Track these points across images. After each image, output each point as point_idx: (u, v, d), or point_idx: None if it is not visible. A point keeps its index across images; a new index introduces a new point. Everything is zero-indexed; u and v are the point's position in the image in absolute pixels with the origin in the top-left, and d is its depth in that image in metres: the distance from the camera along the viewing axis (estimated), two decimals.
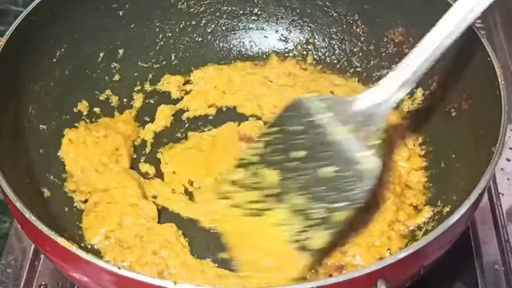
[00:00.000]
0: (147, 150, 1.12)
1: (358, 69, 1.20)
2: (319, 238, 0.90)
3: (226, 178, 1.00)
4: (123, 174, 1.05)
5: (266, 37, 1.27)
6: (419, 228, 0.99)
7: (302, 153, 0.93)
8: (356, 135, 0.91)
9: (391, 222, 0.98)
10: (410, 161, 1.07)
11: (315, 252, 0.91)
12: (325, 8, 1.22)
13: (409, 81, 0.92)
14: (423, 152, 1.08)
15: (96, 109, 1.15)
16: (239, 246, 0.95)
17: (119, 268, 0.75)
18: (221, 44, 1.26)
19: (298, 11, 1.25)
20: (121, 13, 1.18)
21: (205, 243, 0.99)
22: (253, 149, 0.98)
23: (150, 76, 1.21)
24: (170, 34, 1.24)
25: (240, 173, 0.98)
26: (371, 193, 0.90)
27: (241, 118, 1.16)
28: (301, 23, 1.25)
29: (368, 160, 0.89)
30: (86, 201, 1.03)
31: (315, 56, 1.24)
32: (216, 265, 0.96)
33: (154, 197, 1.04)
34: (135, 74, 1.21)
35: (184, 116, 1.18)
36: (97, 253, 0.95)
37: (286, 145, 0.94)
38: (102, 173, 1.04)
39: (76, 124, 1.11)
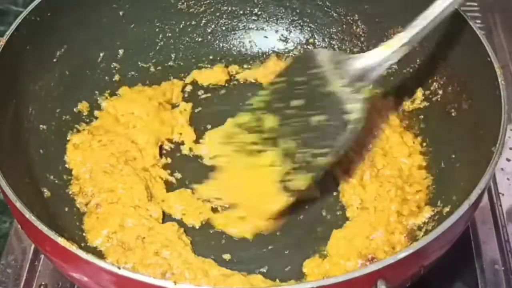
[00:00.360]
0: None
1: None
2: (301, 180, 0.97)
3: (233, 121, 1.08)
4: (131, 175, 1.04)
5: (266, 37, 1.27)
6: (419, 228, 0.99)
7: (301, 102, 0.99)
8: (351, 88, 0.96)
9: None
10: (411, 157, 1.07)
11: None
12: (325, 8, 1.22)
13: (409, 42, 0.97)
14: (423, 151, 1.08)
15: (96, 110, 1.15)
16: (231, 181, 1.04)
17: (119, 268, 0.75)
18: (221, 44, 1.26)
19: (298, 11, 1.25)
20: (121, 13, 1.18)
21: (207, 242, 0.99)
22: (259, 96, 1.06)
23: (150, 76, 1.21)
24: (170, 34, 1.24)
25: (245, 117, 1.06)
26: (351, 143, 0.97)
27: None
28: (301, 23, 1.25)
29: (354, 112, 0.95)
30: (88, 203, 1.02)
31: None
32: (218, 263, 0.96)
33: (162, 200, 1.04)
34: (135, 75, 1.21)
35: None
36: (99, 255, 0.95)
37: (288, 94, 1.01)
38: (110, 174, 1.04)
39: (77, 126, 1.11)
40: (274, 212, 1.00)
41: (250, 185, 1.02)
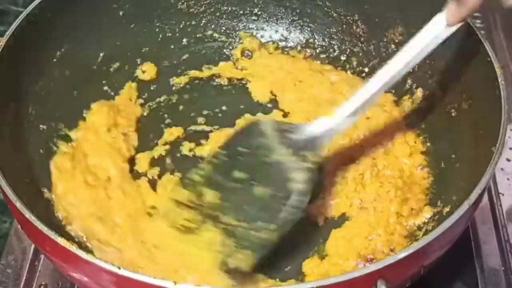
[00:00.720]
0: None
1: (358, 69, 1.20)
2: (243, 260, 0.90)
3: (171, 198, 0.99)
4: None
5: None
6: (419, 228, 0.99)
7: (243, 174, 0.94)
8: (295, 157, 0.92)
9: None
10: (412, 157, 1.07)
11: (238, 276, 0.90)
12: (325, 8, 1.22)
13: (357, 111, 0.94)
14: (423, 151, 1.08)
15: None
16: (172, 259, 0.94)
17: (119, 268, 0.75)
18: (221, 44, 1.26)
19: (298, 11, 1.25)
20: (121, 13, 1.19)
21: None
22: (200, 170, 0.98)
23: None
24: (170, 34, 1.24)
25: (183, 193, 0.98)
26: (298, 218, 0.90)
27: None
28: (301, 23, 1.25)
29: (299, 182, 0.90)
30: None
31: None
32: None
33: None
34: (135, 74, 1.21)
35: None
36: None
37: (231, 165, 0.96)
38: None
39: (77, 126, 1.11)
40: None
41: (190, 265, 0.92)
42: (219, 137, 1.12)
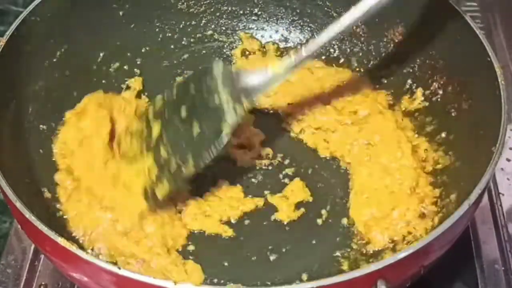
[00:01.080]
0: None
1: (358, 69, 1.20)
2: (163, 189, 0.97)
3: (126, 129, 1.07)
4: None
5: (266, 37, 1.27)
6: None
7: (186, 113, 0.99)
8: (231, 102, 0.97)
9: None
10: (412, 157, 1.07)
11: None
12: (325, 8, 1.22)
13: (294, 65, 0.98)
14: (423, 151, 1.08)
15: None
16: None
17: (119, 268, 0.75)
18: (221, 44, 1.26)
19: (298, 11, 1.25)
20: (121, 13, 1.19)
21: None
22: (154, 103, 1.04)
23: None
24: (170, 34, 1.24)
25: (137, 124, 1.05)
26: (214, 155, 0.96)
27: None
28: (301, 23, 1.25)
29: (226, 127, 0.95)
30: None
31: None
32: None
33: None
34: (136, 74, 1.21)
35: None
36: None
37: (179, 103, 1.01)
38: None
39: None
40: (137, 214, 0.99)
41: (122, 187, 1.01)
42: None
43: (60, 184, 1.02)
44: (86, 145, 1.05)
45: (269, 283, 0.93)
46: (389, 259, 0.77)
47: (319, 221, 1.02)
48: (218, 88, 0.98)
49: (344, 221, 1.01)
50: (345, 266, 0.96)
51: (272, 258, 0.98)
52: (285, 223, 1.02)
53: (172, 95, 1.02)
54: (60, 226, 0.97)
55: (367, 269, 0.75)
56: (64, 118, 1.09)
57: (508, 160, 1.19)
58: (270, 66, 0.98)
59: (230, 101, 0.97)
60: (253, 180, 1.08)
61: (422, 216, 0.99)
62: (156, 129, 1.00)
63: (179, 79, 1.20)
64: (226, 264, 0.97)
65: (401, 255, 0.77)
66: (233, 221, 1.02)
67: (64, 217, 0.98)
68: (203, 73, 1.01)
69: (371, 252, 0.97)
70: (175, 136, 0.98)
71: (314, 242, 0.99)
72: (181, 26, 1.25)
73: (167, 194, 0.97)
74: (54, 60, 1.10)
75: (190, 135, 0.97)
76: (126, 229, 0.96)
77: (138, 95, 1.19)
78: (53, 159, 1.04)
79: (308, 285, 0.74)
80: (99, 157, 1.04)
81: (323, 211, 1.03)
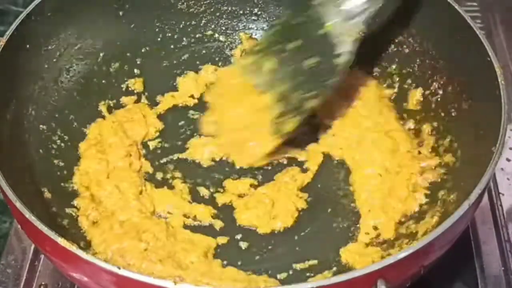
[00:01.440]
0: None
1: (357, 69, 1.20)
2: (290, 122, 1.02)
3: (239, 62, 1.12)
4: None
5: None
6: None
7: (296, 44, 1.02)
8: (338, 30, 0.99)
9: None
10: (411, 160, 1.07)
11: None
12: None
13: None
14: (423, 151, 1.08)
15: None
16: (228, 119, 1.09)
17: (119, 268, 0.75)
18: (221, 44, 1.26)
19: None
20: (121, 13, 1.19)
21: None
22: (263, 38, 1.09)
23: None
24: (170, 34, 1.24)
25: (248, 59, 1.09)
26: (334, 85, 1.01)
27: None
28: None
29: (344, 54, 0.98)
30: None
31: None
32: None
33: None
34: (136, 74, 1.21)
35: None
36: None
37: (286, 36, 1.04)
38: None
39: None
40: (262, 155, 1.05)
41: (246, 124, 1.06)
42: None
43: (80, 208, 1.01)
44: (113, 177, 1.05)
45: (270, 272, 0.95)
46: (389, 259, 0.77)
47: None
48: (322, 17, 0.99)
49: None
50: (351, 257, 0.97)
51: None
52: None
53: (276, 31, 1.05)
54: (61, 226, 0.97)
55: (367, 269, 0.75)
56: (79, 150, 1.09)
57: (508, 160, 1.19)
58: None
59: (337, 28, 0.98)
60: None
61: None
62: (267, 64, 1.04)
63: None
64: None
65: (401, 255, 0.77)
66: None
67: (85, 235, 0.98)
68: (302, 7, 1.03)
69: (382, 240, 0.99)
70: (290, 70, 1.01)
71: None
72: (181, 26, 1.25)
73: (295, 127, 1.02)
74: (54, 60, 1.10)
75: (306, 67, 1.00)
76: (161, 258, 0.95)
77: (138, 96, 1.19)
78: (70, 189, 1.04)
79: (308, 285, 0.74)
80: (131, 189, 1.04)
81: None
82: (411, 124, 1.11)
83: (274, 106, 1.03)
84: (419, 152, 1.07)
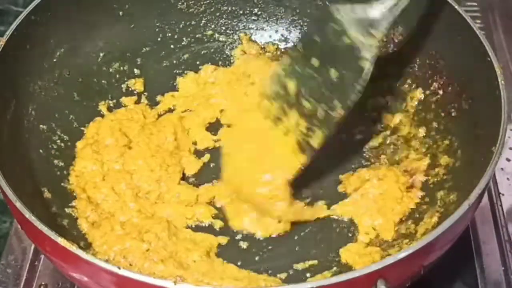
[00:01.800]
0: None
1: None
2: (317, 137, 1.00)
3: (260, 92, 1.08)
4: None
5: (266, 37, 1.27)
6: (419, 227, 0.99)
7: (316, 61, 1.01)
8: (361, 38, 0.98)
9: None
10: (410, 160, 1.07)
11: None
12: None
13: None
14: (423, 151, 1.08)
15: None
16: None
17: (119, 268, 0.75)
18: (221, 44, 1.26)
19: (298, 11, 1.25)
20: (121, 13, 1.19)
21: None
22: (281, 64, 1.06)
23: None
24: (170, 34, 1.24)
25: (269, 86, 1.06)
26: (360, 93, 0.98)
27: None
28: (301, 23, 1.25)
29: (367, 60, 0.97)
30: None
31: None
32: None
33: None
34: (136, 74, 1.21)
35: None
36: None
37: (306, 55, 1.03)
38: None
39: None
40: (293, 173, 1.01)
41: (271, 149, 1.04)
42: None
43: (79, 210, 1.01)
44: (109, 179, 1.05)
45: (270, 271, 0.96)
46: (389, 259, 0.77)
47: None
48: (344, 29, 0.99)
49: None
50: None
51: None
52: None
53: (298, 50, 1.04)
54: (60, 226, 0.97)
55: (367, 269, 0.75)
56: (75, 148, 1.09)
57: (508, 160, 1.19)
58: None
59: (360, 37, 0.98)
60: None
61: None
62: (291, 86, 1.02)
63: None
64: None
65: (401, 255, 0.77)
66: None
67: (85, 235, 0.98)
68: (323, 21, 1.02)
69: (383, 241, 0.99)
70: (314, 86, 1.00)
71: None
72: (181, 26, 1.25)
73: (323, 141, 1.00)
74: (54, 60, 1.10)
75: (329, 80, 0.99)
76: (163, 258, 0.95)
77: (138, 96, 1.19)
78: (68, 189, 1.04)
79: (308, 285, 0.74)
80: (127, 191, 1.03)
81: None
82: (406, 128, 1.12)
83: (298, 125, 1.02)
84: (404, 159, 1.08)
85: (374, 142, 1.12)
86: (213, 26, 1.26)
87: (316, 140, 1.00)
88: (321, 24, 1.02)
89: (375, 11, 0.98)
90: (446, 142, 1.05)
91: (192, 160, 1.10)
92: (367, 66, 0.96)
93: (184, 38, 1.25)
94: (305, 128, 1.01)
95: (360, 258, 0.96)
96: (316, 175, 1.07)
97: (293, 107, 1.02)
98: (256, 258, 0.98)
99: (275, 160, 1.02)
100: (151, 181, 1.05)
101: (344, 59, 0.99)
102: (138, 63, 1.21)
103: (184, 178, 1.08)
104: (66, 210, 1.00)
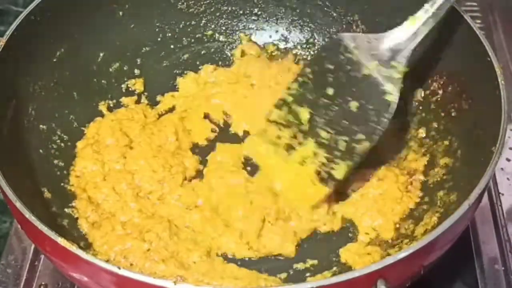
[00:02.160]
0: None
1: None
2: (341, 169, 0.98)
3: (265, 118, 1.06)
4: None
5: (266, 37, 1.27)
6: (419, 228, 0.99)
7: (331, 90, 0.99)
8: (382, 70, 0.96)
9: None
10: (410, 160, 1.07)
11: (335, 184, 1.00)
12: (325, 8, 1.22)
13: (430, 19, 0.97)
14: (423, 151, 1.08)
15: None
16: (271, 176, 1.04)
17: (119, 268, 0.75)
18: (221, 44, 1.26)
19: (298, 11, 1.25)
20: (121, 13, 1.19)
21: None
22: (289, 90, 1.04)
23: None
24: (170, 34, 1.24)
25: (278, 112, 1.04)
26: (387, 126, 0.96)
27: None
28: (301, 23, 1.25)
29: (393, 93, 0.95)
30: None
31: None
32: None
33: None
34: (136, 74, 1.21)
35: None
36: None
37: (319, 83, 1.01)
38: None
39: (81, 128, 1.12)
40: (315, 203, 1.00)
41: (289, 180, 1.02)
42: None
43: (79, 210, 1.01)
44: (109, 179, 1.05)
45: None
46: (389, 259, 0.77)
47: None
48: (360, 59, 0.97)
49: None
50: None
51: None
52: None
53: (307, 76, 1.02)
54: (60, 226, 0.97)
55: (367, 269, 0.75)
56: (75, 148, 1.09)
57: (508, 160, 1.19)
58: (407, 20, 0.97)
59: (381, 68, 0.96)
60: None
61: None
62: (304, 114, 1.01)
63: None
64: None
65: (401, 255, 0.77)
66: None
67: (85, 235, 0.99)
68: (335, 49, 1.00)
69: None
70: (331, 117, 0.99)
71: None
72: (181, 26, 1.25)
73: (347, 173, 0.98)
74: (54, 60, 1.10)
75: (349, 112, 0.97)
76: (164, 258, 0.95)
77: (138, 96, 1.19)
78: (69, 189, 1.04)
79: (308, 285, 0.74)
80: (128, 190, 1.03)
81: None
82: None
83: (316, 155, 1.00)
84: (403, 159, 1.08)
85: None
86: (213, 26, 1.26)
87: (341, 172, 0.99)
88: (334, 52, 1.00)
89: (394, 41, 0.97)
90: (446, 142, 1.05)
91: (194, 160, 1.10)
92: (393, 100, 0.95)
93: (184, 38, 1.25)
94: (325, 159, 0.99)
95: (360, 258, 0.96)
96: None
97: (309, 136, 1.00)
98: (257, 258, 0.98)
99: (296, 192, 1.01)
100: (153, 182, 1.05)
101: (364, 91, 0.97)
102: (138, 63, 1.21)
103: (185, 178, 1.08)
104: (66, 210, 1.00)
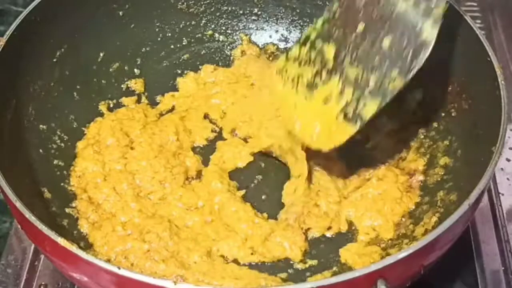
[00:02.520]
0: None
1: None
2: (370, 107, 0.93)
3: (285, 55, 1.02)
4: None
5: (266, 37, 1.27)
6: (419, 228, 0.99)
7: (361, 26, 0.95)
8: (420, 5, 0.91)
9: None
10: (410, 160, 1.07)
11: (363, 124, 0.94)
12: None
13: None
14: (422, 151, 1.08)
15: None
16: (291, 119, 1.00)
17: (119, 268, 0.75)
18: (221, 44, 1.26)
19: (298, 11, 1.25)
20: (121, 13, 1.19)
21: None
22: (315, 26, 1.00)
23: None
24: (170, 34, 1.24)
25: (297, 49, 1.00)
26: (422, 64, 0.91)
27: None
28: (301, 23, 1.25)
29: (430, 31, 0.90)
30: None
31: None
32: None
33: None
34: (136, 74, 1.21)
35: None
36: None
37: (347, 19, 0.96)
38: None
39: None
40: (339, 143, 0.96)
41: (311, 119, 0.98)
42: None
43: (80, 211, 1.01)
44: (110, 179, 1.05)
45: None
46: (389, 259, 0.77)
47: None
48: None
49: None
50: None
51: None
52: None
53: (333, 12, 0.98)
54: (60, 226, 0.97)
55: (367, 269, 0.75)
56: (76, 149, 1.09)
57: (508, 160, 1.19)
58: None
59: (419, 3, 0.91)
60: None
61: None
62: (329, 51, 0.96)
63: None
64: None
65: (401, 255, 0.77)
66: None
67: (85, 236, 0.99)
68: None
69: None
70: (362, 53, 0.94)
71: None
72: (181, 26, 1.25)
73: (376, 112, 0.93)
74: (54, 60, 1.10)
75: (381, 48, 0.93)
76: (164, 258, 0.95)
77: (138, 96, 1.19)
78: (69, 190, 1.04)
79: (308, 285, 0.74)
80: (129, 190, 1.03)
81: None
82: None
83: (340, 93, 0.95)
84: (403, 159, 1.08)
85: (374, 142, 1.12)
86: (213, 26, 1.26)
87: (369, 111, 0.93)
88: None
89: None
90: (446, 142, 1.05)
91: (195, 160, 1.10)
92: (430, 39, 0.90)
93: (184, 38, 1.25)
94: (351, 97, 0.94)
95: (360, 258, 0.96)
96: None
97: (334, 74, 0.95)
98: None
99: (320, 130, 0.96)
100: (155, 182, 1.05)
101: (398, 28, 0.92)
102: (138, 63, 1.21)
103: (187, 178, 1.08)
104: (66, 210, 1.00)
